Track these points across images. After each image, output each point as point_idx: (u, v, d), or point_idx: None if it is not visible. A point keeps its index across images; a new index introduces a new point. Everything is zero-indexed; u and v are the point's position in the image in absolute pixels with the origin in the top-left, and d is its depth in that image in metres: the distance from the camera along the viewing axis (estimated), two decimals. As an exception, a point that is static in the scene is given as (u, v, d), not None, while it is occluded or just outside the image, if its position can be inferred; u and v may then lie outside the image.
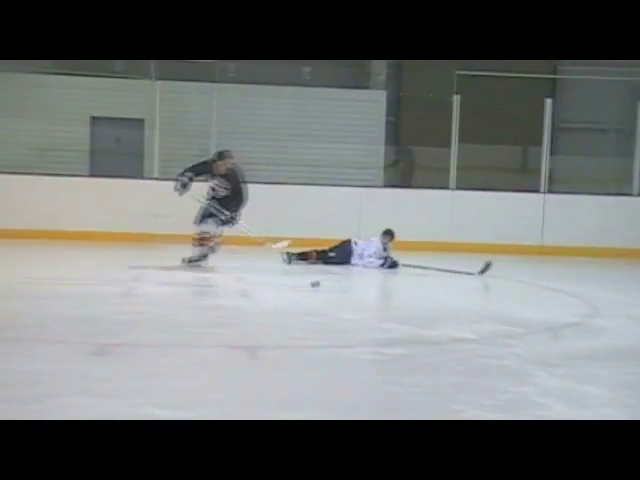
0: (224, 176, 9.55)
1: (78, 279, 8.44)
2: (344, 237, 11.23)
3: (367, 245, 11.11)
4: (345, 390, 4.39)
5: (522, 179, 15.70)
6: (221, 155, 9.70)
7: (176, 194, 9.28)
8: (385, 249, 11.13)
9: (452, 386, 4.52)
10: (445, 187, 14.07)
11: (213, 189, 9.56)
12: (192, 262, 9.46)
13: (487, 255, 11.32)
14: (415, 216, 13.57)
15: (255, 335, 5.95)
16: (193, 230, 9.64)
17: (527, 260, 12.75)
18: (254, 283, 8.91)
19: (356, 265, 11.02)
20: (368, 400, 4.28)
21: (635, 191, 14.35)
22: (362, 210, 12.96)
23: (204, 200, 9.49)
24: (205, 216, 9.59)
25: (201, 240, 9.57)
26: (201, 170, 9.54)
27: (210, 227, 9.59)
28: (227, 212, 9.51)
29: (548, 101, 14.23)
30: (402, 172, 15.94)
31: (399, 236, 11.22)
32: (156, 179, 13.41)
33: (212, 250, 9.68)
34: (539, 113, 14.17)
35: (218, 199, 9.52)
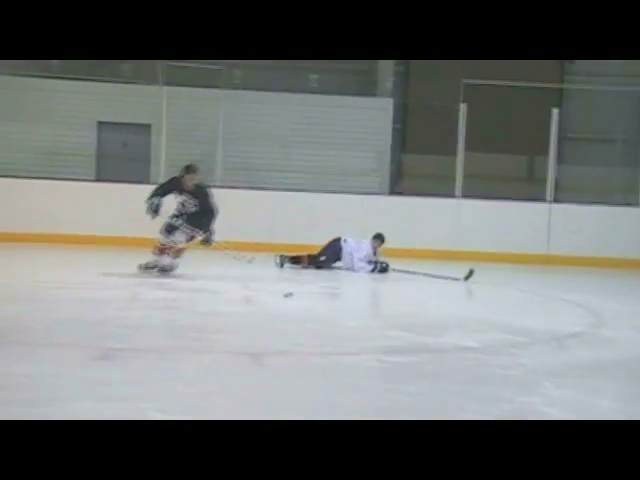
0: (191, 192, 9.31)
1: (82, 283, 8.44)
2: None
3: (357, 246, 11.13)
4: (348, 398, 4.38)
5: (528, 188, 15.69)
6: (188, 169, 9.44)
7: (148, 217, 9.11)
8: (375, 253, 11.15)
9: (457, 395, 4.51)
10: (451, 195, 14.06)
11: (183, 205, 9.31)
12: (148, 268, 9.25)
13: (492, 264, 11.34)
14: (420, 224, 13.56)
15: (258, 341, 5.95)
16: (159, 239, 9.35)
17: (532, 269, 12.73)
18: (256, 289, 8.91)
19: (346, 265, 11.07)
20: (371, 408, 4.26)
21: (641, 201, 14.32)
22: (367, 217, 12.94)
23: (179, 222, 9.27)
24: (173, 229, 9.32)
25: (162, 249, 9.30)
26: (169, 188, 9.34)
27: (181, 237, 9.33)
28: (201, 231, 9.30)
29: (555, 111, 14.22)
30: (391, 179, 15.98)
31: (404, 243, 11.23)
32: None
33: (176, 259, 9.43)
34: (546, 122, 14.15)
35: (188, 215, 9.28)
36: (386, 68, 16.70)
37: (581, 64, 15.97)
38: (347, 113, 15.82)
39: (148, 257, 9.37)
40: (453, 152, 14.09)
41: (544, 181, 14.30)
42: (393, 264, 10.97)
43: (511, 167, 16.33)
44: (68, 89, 15.18)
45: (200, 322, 6.66)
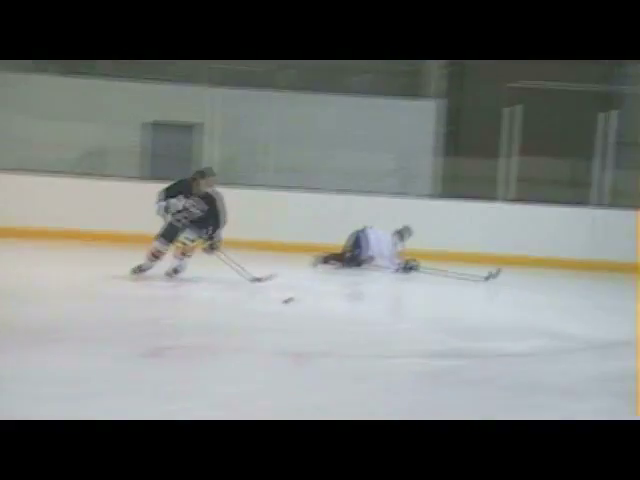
0: (203, 197, 8.93)
1: (130, 281, 8.52)
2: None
3: (379, 238, 11.15)
4: (389, 402, 4.37)
5: (577, 193, 15.49)
6: (203, 173, 9.10)
7: (161, 219, 8.90)
8: (397, 248, 11.16)
9: (501, 400, 4.48)
10: (496, 199, 13.97)
11: (187, 209, 8.90)
12: (141, 270, 8.87)
13: (540, 269, 11.23)
14: (464, 227, 13.49)
15: (302, 342, 5.96)
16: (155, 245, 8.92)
17: (580, 275, 12.59)
18: (299, 290, 8.93)
19: (374, 253, 11.11)
20: (414, 412, 4.23)
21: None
22: (412, 221, 12.89)
23: (181, 224, 8.91)
24: (175, 233, 8.95)
25: (157, 254, 8.87)
26: (178, 190, 8.91)
27: (189, 235, 8.96)
28: (204, 236, 8.96)
29: (606, 114, 14.05)
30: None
31: (448, 247, 11.17)
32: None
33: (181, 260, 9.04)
34: (596, 126, 14.00)
35: (191, 220, 8.92)
36: (431, 70, 16.63)
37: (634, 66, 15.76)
38: (391, 115, 15.76)
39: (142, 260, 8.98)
40: (502, 155, 14.00)
41: (594, 185, 14.14)
42: (431, 265, 10.93)
43: (560, 171, 16.15)
44: (119, 89, 15.32)
45: (244, 322, 6.69)
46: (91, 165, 14.59)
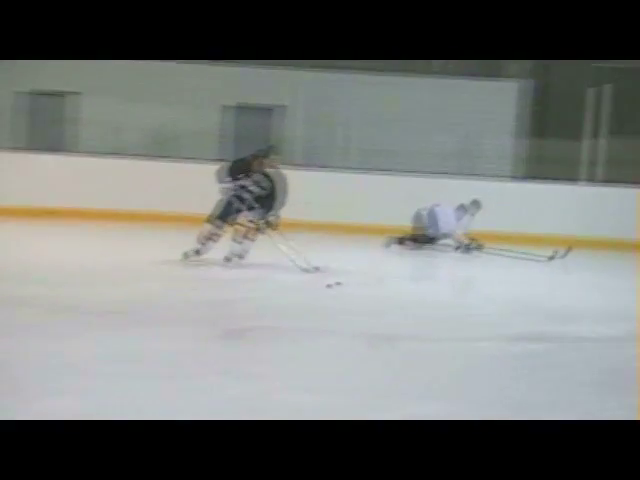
0: (266, 175, 8.59)
1: (209, 263, 8.44)
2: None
3: (447, 215, 11.12)
4: (476, 385, 4.34)
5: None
6: (267, 151, 8.79)
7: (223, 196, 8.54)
8: (464, 223, 11.07)
9: (589, 386, 4.40)
10: (577, 180, 13.72)
11: (245, 187, 8.52)
12: (197, 254, 8.52)
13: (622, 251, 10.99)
14: (544, 209, 13.27)
15: (388, 325, 5.94)
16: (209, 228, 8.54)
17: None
18: (383, 272, 8.93)
19: (445, 234, 11.07)
20: (502, 396, 4.16)
21: None
22: (491, 203, 12.72)
23: (240, 205, 8.52)
24: (231, 213, 8.58)
25: (210, 236, 8.53)
26: (240, 169, 8.57)
27: (254, 215, 8.56)
28: (263, 212, 8.53)
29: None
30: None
31: (527, 229, 10.99)
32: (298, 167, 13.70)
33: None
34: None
35: (251, 197, 8.52)
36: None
37: None
38: (473, 96, 15.56)
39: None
40: (587, 136, 13.72)
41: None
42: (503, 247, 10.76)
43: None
44: (201, 72, 15.44)
45: (327, 304, 6.70)
46: (170, 148, 14.76)
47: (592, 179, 13.75)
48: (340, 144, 14.69)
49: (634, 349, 5.46)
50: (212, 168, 8.81)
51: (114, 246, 9.86)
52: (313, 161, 14.02)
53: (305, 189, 12.27)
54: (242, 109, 15.21)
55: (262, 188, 8.56)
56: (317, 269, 8.11)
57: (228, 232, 8.63)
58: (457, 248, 10.92)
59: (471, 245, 10.91)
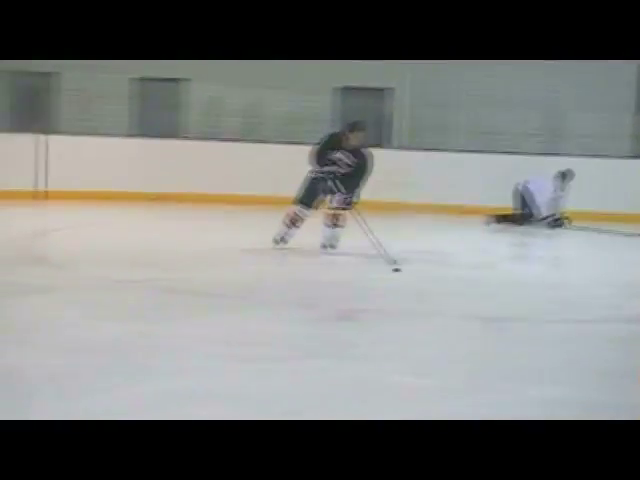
0: (353, 151, 8.23)
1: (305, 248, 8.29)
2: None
3: (539, 187, 11.05)
4: (585, 369, 4.30)
5: None
6: (354, 127, 8.39)
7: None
8: (557, 193, 10.99)
9: None
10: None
11: (335, 163, 8.19)
12: (284, 241, 8.30)
13: None
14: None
15: (493, 307, 5.93)
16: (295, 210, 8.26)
17: None
18: (487, 253, 8.86)
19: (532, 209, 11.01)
20: (613, 382, 4.08)
21: None
22: (609, 182, 12.42)
23: (329, 184, 8.17)
24: (314, 195, 8.30)
25: (295, 219, 8.25)
26: (331, 146, 8.26)
27: (334, 202, 8.30)
28: (346, 192, 8.19)
29: None
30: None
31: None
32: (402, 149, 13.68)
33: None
34: None
35: (338, 175, 8.18)
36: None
37: None
38: (584, 74, 15.17)
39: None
40: None
41: None
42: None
43: None
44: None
45: (432, 286, 6.71)
46: (284, 131, 14.88)
47: None
48: (448, 125, 14.58)
49: None
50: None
51: (212, 230, 9.85)
52: (420, 143, 14.00)
53: (411, 170, 12.29)
54: (351, 91, 15.25)
55: (348, 165, 8.24)
56: (398, 270, 7.13)
57: (313, 216, 8.35)
58: (542, 219, 10.86)
59: (557, 221, 10.81)
